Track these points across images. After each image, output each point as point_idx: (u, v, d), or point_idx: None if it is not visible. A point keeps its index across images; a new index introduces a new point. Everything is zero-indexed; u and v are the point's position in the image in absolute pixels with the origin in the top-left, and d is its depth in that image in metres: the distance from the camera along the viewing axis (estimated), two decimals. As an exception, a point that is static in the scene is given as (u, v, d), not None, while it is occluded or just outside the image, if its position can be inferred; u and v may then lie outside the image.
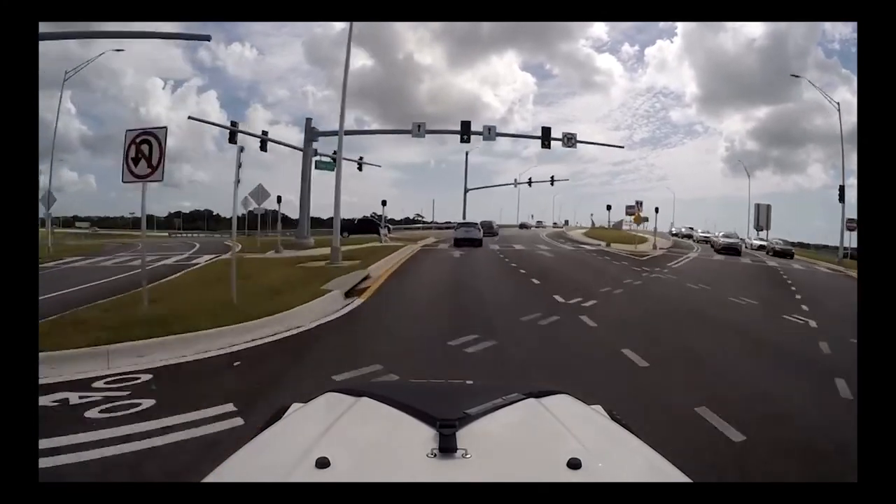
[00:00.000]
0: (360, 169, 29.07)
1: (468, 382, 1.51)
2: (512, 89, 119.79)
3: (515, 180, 49.04)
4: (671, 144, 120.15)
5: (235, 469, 0.87)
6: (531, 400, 1.11)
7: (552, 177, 44.37)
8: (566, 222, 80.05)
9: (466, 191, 50.04)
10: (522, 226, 62.42)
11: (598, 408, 1.24)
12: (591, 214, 62.30)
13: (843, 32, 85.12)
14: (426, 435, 0.87)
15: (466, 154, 53.66)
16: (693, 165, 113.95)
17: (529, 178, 46.43)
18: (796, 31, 78.63)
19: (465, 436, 0.86)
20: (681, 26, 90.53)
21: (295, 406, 1.20)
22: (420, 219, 66.34)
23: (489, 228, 34.72)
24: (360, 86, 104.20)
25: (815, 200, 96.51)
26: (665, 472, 0.87)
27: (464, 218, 35.87)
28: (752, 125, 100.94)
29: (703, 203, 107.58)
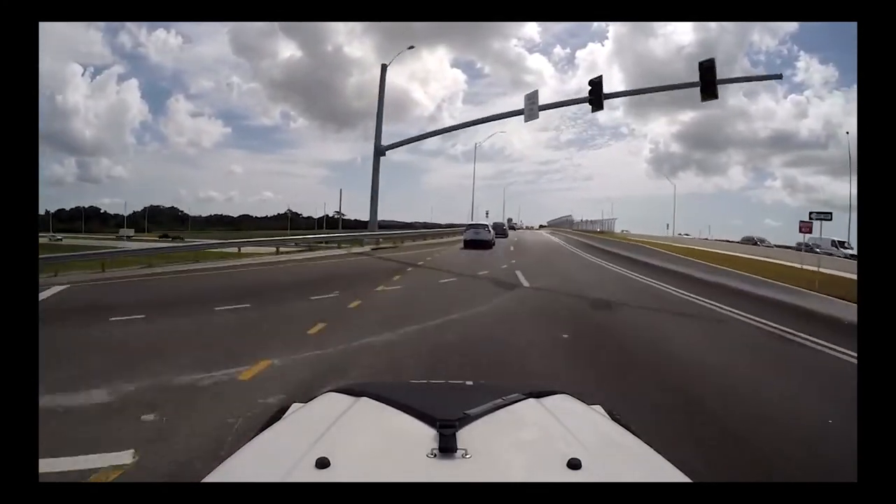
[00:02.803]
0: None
1: (468, 383, 1.51)
2: (442, 87, 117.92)
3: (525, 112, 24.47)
4: (598, 146, 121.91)
5: (235, 469, 0.87)
6: (531, 400, 1.11)
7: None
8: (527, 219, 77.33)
9: (379, 151, 27.19)
10: (511, 227, 59.69)
11: (598, 408, 1.23)
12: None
13: (770, 44, 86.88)
14: (426, 435, 0.87)
15: (383, 67, 29.23)
16: (618, 166, 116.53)
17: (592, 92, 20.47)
18: (725, 38, 79.07)
19: (465, 436, 0.86)
20: (612, 31, 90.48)
21: (295, 406, 1.20)
22: (340, 216, 61.23)
23: (500, 230, 34.37)
24: (288, 78, 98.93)
25: (734, 200, 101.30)
26: (665, 472, 0.87)
27: (373, 213, 26.46)
28: (677, 128, 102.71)
29: (627, 202, 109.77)
